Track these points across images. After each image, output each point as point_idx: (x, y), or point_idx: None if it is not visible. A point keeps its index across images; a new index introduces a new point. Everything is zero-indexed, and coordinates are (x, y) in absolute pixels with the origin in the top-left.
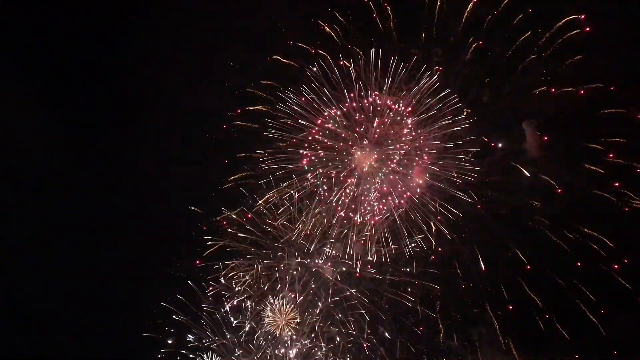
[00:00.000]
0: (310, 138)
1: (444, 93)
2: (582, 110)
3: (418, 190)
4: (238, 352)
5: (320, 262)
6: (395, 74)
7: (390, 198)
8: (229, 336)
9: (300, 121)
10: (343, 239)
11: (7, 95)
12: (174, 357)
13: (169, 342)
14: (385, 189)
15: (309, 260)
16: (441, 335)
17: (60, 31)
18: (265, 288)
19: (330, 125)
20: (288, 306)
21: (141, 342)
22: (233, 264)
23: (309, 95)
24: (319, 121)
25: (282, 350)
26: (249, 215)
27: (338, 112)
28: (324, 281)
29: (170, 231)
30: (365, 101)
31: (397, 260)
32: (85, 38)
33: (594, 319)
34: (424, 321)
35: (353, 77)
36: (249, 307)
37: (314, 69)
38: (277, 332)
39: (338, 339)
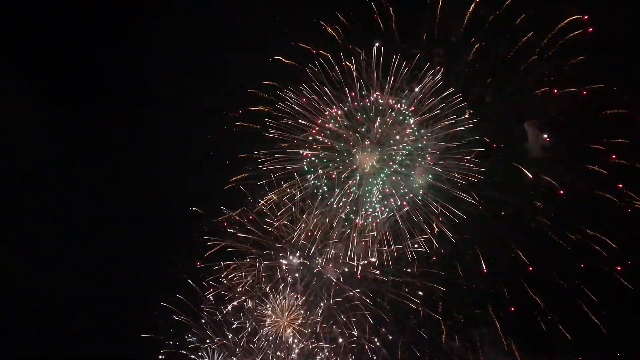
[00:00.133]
0: (311, 138)
1: (446, 93)
2: (584, 110)
3: (420, 191)
4: (239, 352)
5: (322, 262)
6: (397, 73)
7: (392, 199)
8: (230, 337)
9: (302, 121)
10: (345, 239)
11: (7, 96)
12: (174, 357)
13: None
14: (387, 189)
15: (310, 261)
16: (443, 336)
17: (61, 31)
18: (267, 289)
19: (331, 125)
20: (290, 307)
21: (141, 342)
22: (234, 265)
23: (310, 95)
24: (320, 121)
25: (284, 351)
26: (250, 216)
27: (339, 112)
28: (326, 282)
29: (171, 232)
30: (367, 101)
31: (399, 261)
32: (86, 38)
33: (596, 320)
34: (426, 322)
35: (354, 76)
36: (250, 307)
37: (315, 69)
38: (279, 333)
39: (340, 339)
